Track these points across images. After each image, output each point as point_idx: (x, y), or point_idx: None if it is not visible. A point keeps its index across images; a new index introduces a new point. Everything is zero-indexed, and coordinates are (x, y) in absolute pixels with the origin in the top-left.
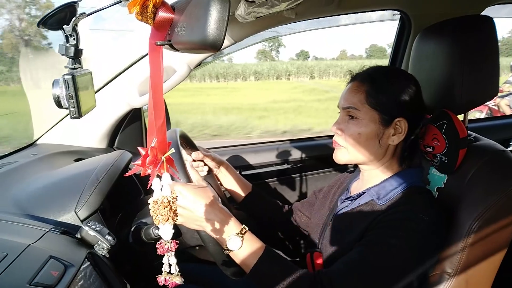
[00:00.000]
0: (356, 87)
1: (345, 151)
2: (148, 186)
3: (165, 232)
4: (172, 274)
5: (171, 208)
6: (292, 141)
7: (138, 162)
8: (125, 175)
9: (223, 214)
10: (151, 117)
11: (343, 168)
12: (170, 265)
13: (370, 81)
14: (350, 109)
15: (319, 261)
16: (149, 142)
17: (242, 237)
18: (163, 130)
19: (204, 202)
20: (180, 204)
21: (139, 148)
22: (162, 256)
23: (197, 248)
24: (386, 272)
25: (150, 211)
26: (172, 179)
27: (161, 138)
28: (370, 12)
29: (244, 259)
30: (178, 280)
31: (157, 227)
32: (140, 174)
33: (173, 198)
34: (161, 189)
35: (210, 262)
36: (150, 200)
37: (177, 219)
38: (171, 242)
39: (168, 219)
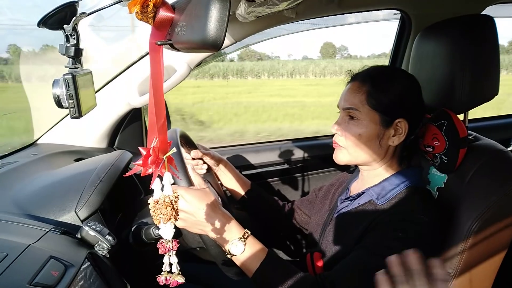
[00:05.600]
0: (356, 88)
1: (346, 152)
2: (151, 186)
3: (167, 231)
4: (173, 273)
5: (173, 208)
6: (293, 140)
7: (139, 162)
8: (125, 175)
9: (226, 218)
10: (152, 116)
11: (344, 167)
12: (171, 265)
13: (371, 81)
14: (350, 110)
15: (319, 261)
16: (149, 142)
17: (244, 241)
18: (164, 129)
19: (206, 206)
20: (182, 208)
21: (140, 148)
22: (162, 256)
23: (198, 249)
24: None
25: (150, 211)
26: (173, 180)
27: (162, 137)
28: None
29: (246, 264)
30: (180, 279)
31: (158, 227)
32: (140, 174)
33: (175, 197)
34: (162, 188)
35: (211, 262)
36: (150, 200)
37: (178, 219)
38: (173, 242)
39: (170, 218)
